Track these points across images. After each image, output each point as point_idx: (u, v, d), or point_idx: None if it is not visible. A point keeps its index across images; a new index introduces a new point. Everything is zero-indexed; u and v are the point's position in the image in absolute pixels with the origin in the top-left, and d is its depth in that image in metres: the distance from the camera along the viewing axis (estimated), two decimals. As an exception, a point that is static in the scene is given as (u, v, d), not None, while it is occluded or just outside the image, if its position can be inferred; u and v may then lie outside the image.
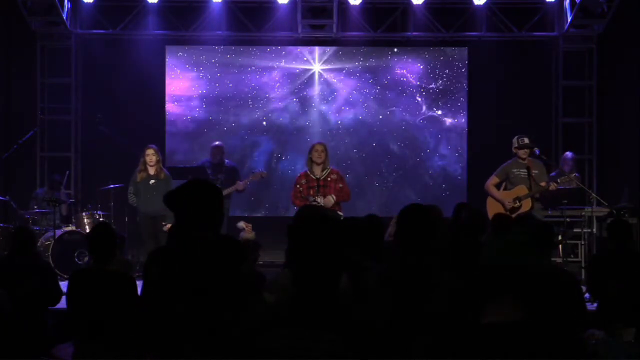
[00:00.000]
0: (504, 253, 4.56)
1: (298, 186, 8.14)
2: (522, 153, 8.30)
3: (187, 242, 3.30)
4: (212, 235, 3.32)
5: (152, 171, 8.85)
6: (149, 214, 8.75)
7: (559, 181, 8.42)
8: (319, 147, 8.19)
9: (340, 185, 8.17)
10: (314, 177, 8.10)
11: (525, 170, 8.25)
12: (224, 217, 3.38)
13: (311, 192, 8.02)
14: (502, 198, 8.29)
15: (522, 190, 8.23)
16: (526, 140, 8.33)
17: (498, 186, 8.42)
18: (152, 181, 8.83)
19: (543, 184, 8.26)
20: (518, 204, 8.20)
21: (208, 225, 3.32)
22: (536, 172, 8.29)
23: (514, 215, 8.06)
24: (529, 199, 8.20)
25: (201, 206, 3.31)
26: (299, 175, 8.34)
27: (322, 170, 8.13)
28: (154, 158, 8.83)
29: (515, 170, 8.32)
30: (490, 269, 3.11)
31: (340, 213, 7.97)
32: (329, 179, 8.12)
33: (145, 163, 8.83)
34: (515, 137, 8.43)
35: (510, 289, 3.19)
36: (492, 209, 8.13)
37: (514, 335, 3.05)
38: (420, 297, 3.41)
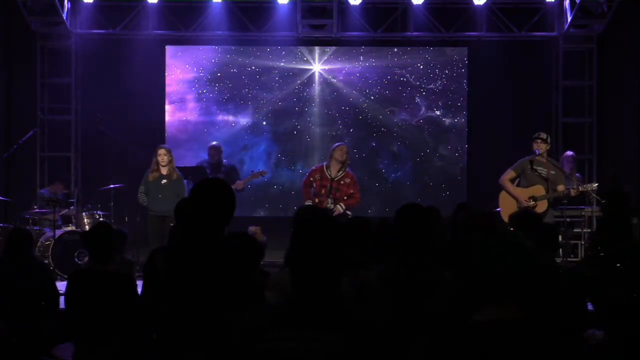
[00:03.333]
0: (501, 252, 4.53)
1: (311, 179, 8.22)
2: (536, 145, 8.00)
3: (190, 242, 3.29)
4: (217, 236, 3.31)
5: (164, 171, 8.88)
6: (159, 213, 8.76)
7: (580, 188, 8.11)
8: (344, 148, 8.31)
9: (352, 190, 8.16)
10: (328, 175, 8.16)
11: (545, 170, 7.98)
12: (232, 217, 3.38)
13: (323, 192, 8.09)
14: (518, 195, 7.97)
15: (539, 190, 7.93)
16: (542, 135, 8.07)
17: (512, 181, 8.15)
18: (164, 181, 8.85)
19: (560, 187, 7.98)
20: (534, 203, 7.89)
21: (216, 225, 3.31)
22: (553, 173, 8.04)
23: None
24: (546, 201, 7.90)
25: (215, 205, 3.30)
26: (314, 168, 8.45)
27: (338, 171, 8.15)
28: (165, 158, 8.86)
29: (533, 166, 8.04)
30: (488, 268, 3.10)
31: (349, 213, 7.99)
32: (342, 182, 8.13)
33: (157, 163, 8.86)
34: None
35: (510, 288, 3.18)
36: (505, 204, 7.95)
37: (514, 335, 3.04)
38: (420, 297, 3.41)
